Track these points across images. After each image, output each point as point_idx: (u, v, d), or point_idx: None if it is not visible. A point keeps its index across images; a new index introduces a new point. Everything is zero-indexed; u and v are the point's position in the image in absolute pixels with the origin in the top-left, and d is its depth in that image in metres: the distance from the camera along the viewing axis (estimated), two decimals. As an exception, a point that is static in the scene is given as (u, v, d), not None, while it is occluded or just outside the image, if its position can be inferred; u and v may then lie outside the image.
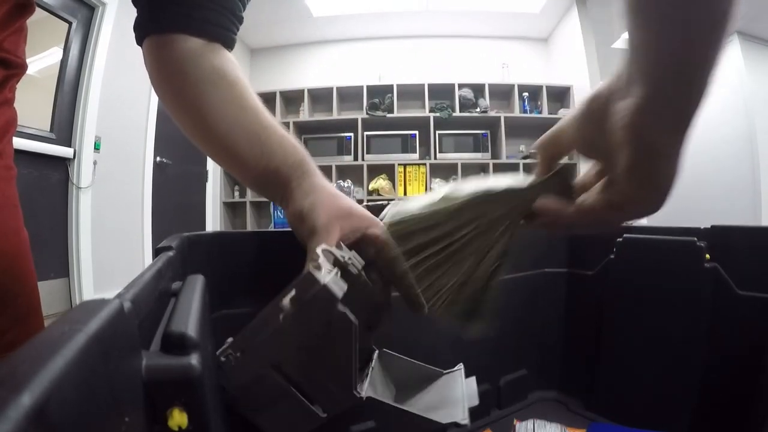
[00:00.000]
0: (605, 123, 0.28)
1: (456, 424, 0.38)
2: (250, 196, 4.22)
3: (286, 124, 4.13)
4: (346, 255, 0.36)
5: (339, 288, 0.30)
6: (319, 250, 0.33)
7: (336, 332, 0.31)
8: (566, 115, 0.33)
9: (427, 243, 0.37)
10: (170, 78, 0.44)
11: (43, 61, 2.33)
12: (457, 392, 0.43)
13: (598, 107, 0.28)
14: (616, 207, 0.29)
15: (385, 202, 1.09)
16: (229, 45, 0.47)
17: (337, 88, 4.16)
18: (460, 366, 0.47)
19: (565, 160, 0.35)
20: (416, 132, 4.07)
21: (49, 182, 2.35)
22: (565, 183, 0.34)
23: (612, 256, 0.64)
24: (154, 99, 3.17)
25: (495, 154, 4.19)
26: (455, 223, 0.36)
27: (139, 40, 0.45)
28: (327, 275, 0.30)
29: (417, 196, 0.38)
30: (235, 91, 0.44)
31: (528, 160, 4.14)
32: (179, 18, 0.42)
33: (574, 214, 0.32)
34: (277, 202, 0.45)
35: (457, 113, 4.10)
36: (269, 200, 0.45)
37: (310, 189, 0.42)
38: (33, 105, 2.28)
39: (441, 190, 0.37)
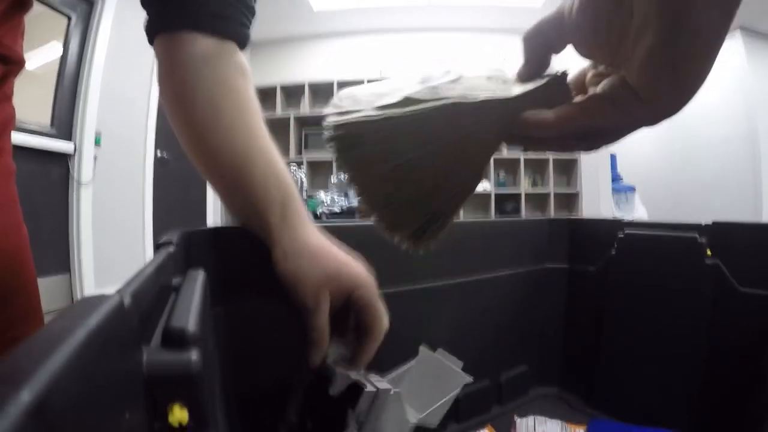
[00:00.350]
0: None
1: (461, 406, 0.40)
2: (251, 191, 4.22)
3: (287, 118, 4.13)
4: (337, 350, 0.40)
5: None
6: (331, 359, 0.38)
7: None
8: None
9: (377, 156, 0.28)
10: (172, 84, 0.43)
11: (42, 55, 2.32)
12: (444, 366, 0.46)
13: None
14: (624, 107, 0.23)
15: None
16: (242, 41, 0.44)
17: (337, 81, 4.15)
18: (421, 347, 0.48)
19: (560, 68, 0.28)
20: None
21: (50, 178, 2.35)
22: (564, 92, 0.27)
23: (613, 252, 0.63)
24: (155, 93, 3.16)
25: (496, 150, 4.17)
26: (415, 137, 0.28)
27: (150, 41, 0.44)
28: (379, 382, 0.36)
29: (372, 84, 0.30)
30: (228, 105, 0.41)
31: (528, 154, 4.13)
32: (186, 14, 0.41)
33: (563, 120, 0.25)
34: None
35: (458, 108, 4.08)
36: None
37: (291, 249, 0.39)
38: (33, 100, 2.27)
39: (403, 82, 0.29)
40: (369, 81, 4.25)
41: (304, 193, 0.91)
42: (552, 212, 3.97)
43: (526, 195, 4.08)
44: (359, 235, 0.52)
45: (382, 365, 0.48)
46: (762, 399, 0.47)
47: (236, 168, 0.41)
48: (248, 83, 0.44)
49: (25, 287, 0.47)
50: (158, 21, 0.42)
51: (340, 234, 0.46)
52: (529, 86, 0.27)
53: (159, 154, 3.26)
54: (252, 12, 0.45)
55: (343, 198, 1.16)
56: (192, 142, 0.43)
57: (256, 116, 0.43)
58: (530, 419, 0.57)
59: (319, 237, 0.41)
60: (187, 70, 0.41)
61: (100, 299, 0.14)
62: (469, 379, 0.43)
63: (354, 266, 0.40)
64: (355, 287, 0.39)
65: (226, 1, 0.42)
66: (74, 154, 2.48)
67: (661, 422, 0.55)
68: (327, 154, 4.03)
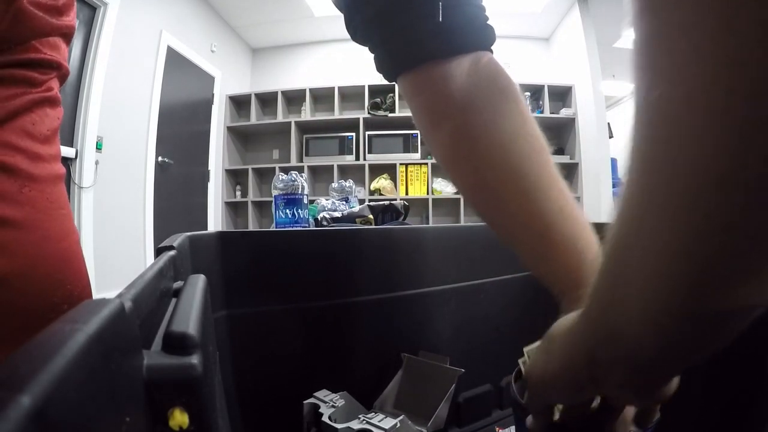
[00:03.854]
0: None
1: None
2: (252, 195, 4.22)
3: (288, 124, 4.15)
4: None
5: None
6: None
7: None
8: None
9: None
10: (450, 126, 0.37)
11: (45, 61, 2.33)
12: (432, 366, 0.46)
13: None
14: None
15: (387, 202, 1.09)
16: (491, 41, 0.39)
17: (338, 87, 4.16)
18: (403, 355, 0.47)
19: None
20: (418, 132, 4.07)
21: (52, 182, 2.35)
22: None
23: (614, 256, 0.63)
24: (156, 99, 3.18)
25: (496, 154, 4.18)
26: None
27: (392, 78, 0.40)
28: (381, 421, 0.36)
29: None
30: (526, 150, 0.36)
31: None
32: (437, 37, 0.36)
33: None
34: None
35: (458, 113, 4.09)
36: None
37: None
38: (35, 105, 2.28)
39: None
40: (370, 87, 4.22)
41: (305, 198, 0.91)
42: (553, 216, 3.97)
43: (527, 199, 4.08)
44: (358, 240, 0.52)
45: (385, 370, 0.48)
46: (764, 403, 0.47)
47: (533, 243, 0.36)
48: (523, 103, 0.37)
49: (72, 295, 0.44)
50: (398, 59, 0.38)
51: (341, 239, 0.46)
52: None
53: (160, 159, 3.26)
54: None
55: (343, 203, 1.16)
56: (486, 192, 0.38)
57: (548, 155, 0.37)
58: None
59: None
60: (464, 94, 0.36)
61: (100, 303, 0.14)
62: (460, 371, 0.43)
63: None
64: None
65: (458, 5, 0.36)
66: (75, 159, 2.48)
67: (662, 427, 0.54)
68: (328, 160, 4.04)
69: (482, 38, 0.37)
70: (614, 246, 0.19)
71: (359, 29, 0.39)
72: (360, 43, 0.39)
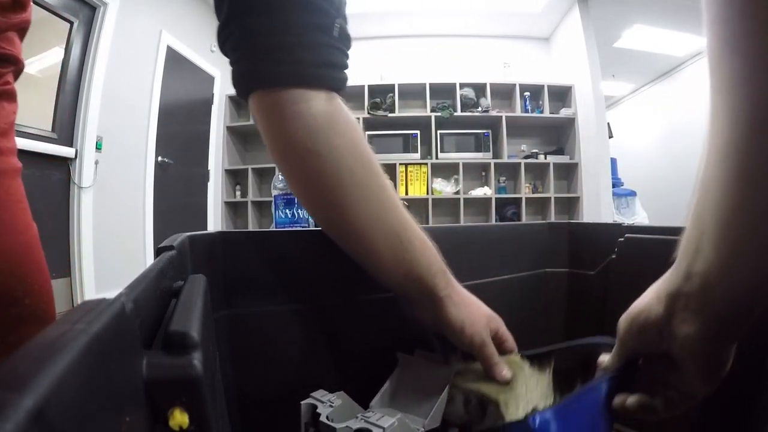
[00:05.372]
0: (661, 345, 0.33)
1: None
2: (252, 195, 4.22)
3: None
4: None
5: None
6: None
7: None
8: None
9: None
10: (292, 151, 0.39)
11: (44, 60, 2.33)
12: (428, 364, 0.47)
13: (647, 329, 0.34)
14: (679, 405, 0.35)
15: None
16: (344, 86, 0.42)
17: (338, 87, 4.16)
18: (399, 354, 0.49)
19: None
20: (417, 131, 4.07)
21: (51, 182, 2.35)
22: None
23: (613, 256, 0.63)
24: (156, 99, 3.18)
25: (496, 154, 4.18)
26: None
27: (243, 95, 0.40)
28: (380, 420, 0.37)
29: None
30: (374, 178, 0.41)
31: (529, 160, 4.14)
32: (290, 66, 0.37)
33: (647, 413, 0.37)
34: (413, 303, 0.45)
35: (458, 113, 4.09)
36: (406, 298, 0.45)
37: (459, 302, 0.44)
38: (35, 105, 2.28)
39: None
40: (369, 86, 4.19)
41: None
42: (552, 216, 3.97)
43: (527, 199, 4.08)
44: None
45: (381, 369, 0.48)
46: (765, 402, 0.47)
47: (394, 248, 0.41)
48: (364, 138, 0.42)
49: (33, 289, 0.45)
50: (256, 75, 0.38)
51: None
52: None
53: (160, 159, 3.26)
54: (350, 40, 0.41)
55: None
56: (339, 224, 0.42)
57: (387, 181, 0.43)
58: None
59: (467, 291, 0.47)
60: (308, 135, 0.38)
61: (101, 303, 0.14)
62: (455, 369, 0.44)
63: (490, 310, 0.49)
64: (498, 325, 0.48)
65: (327, 44, 0.38)
66: (75, 159, 2.48)
67: (664, 426, 0.54)
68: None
69: (340, 82, 0.40)
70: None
71: (236, 39, 0.38)
72: (227, 52, 0.39)
